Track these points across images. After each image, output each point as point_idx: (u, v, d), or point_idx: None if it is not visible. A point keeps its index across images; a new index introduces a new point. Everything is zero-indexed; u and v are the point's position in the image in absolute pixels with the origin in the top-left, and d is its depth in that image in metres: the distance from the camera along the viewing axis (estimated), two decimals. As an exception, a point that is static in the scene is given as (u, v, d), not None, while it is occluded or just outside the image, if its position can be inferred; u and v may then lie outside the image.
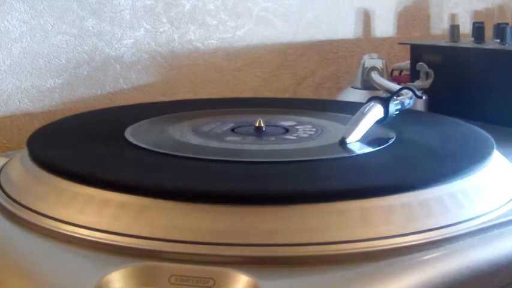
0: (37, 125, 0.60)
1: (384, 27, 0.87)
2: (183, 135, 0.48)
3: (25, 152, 0.44)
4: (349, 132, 0.45)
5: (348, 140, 0.44)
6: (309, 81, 0.81)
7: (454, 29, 0.71)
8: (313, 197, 0.34)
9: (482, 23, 0.70)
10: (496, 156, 0.43)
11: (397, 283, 0.30)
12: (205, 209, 0.33)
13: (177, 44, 0.70)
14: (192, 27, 0.71)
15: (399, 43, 0.85)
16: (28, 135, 0.47)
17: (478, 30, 0.69)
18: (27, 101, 0.61)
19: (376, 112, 0.47)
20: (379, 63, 0.69)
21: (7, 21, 0.59)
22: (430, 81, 0.63)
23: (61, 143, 0.46)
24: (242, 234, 0.32)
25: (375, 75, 0.68)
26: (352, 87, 0.72)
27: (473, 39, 0.70)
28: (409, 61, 0.71)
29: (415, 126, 0.50)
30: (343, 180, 0.38)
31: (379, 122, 0.47)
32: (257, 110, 0.57)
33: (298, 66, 0.80)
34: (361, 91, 0.70)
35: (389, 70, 0.74)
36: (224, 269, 0.30)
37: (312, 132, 0.49)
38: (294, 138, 0.47)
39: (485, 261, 0.33)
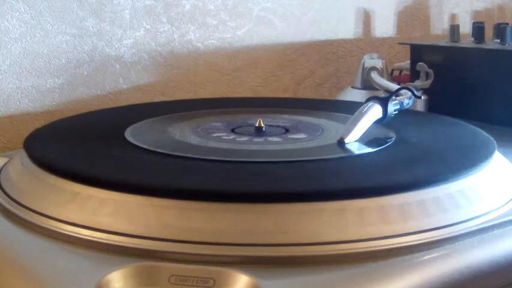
0: (37, 125, 0.60)
1: (384, 27, 0.87)
2: (183, 135, 0.48)
3: (25, 152, 0.44)
4: (347, 132, 0.45)
5: (346, 140, 0.44)
6: (309, 81, 0.81)
7: (454, 29, 0.71)
8: (312, 196, 0.34)
9: (482, 23, 0.70)
10: (496, 157, 0.43)
11: (397, 283, 0.30)
12: (205, 209, 0.33)
13: (177, 44, 0.70)
14: (192, 27, 0.71)
15: (399, 43, 0.85)
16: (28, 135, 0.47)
17: (478, 30, 0.69)
18: (27, 101, 0.61)
19: (374, 112, 0.47)
20: (379, 63, 0.69)
21: (7, 21, 0.59)
22: (430, 81, 0.63)
23: (61, 142, 0.46)
24: (242, 234, 0.32)
25: (374, 75, 0.68)
26: (352, 87, 0.72)
27: (473, 39, 0.70)
28: (409, 61, 0.71)
29: (415, 126, 0.50)
30: (343, 180, 0.38)
31: (378, 122, 0.47)
32: (257, 110, 0.57)
33: (298, 66, 0.80)
34: (361, 91, 0.70)
35: (390, 70, 0.74)
36: (224, 269, 0.30)
37: (312, 132, 0.49)
38: (294, 138, 0.47)
39: (485, 261, 0.33)
